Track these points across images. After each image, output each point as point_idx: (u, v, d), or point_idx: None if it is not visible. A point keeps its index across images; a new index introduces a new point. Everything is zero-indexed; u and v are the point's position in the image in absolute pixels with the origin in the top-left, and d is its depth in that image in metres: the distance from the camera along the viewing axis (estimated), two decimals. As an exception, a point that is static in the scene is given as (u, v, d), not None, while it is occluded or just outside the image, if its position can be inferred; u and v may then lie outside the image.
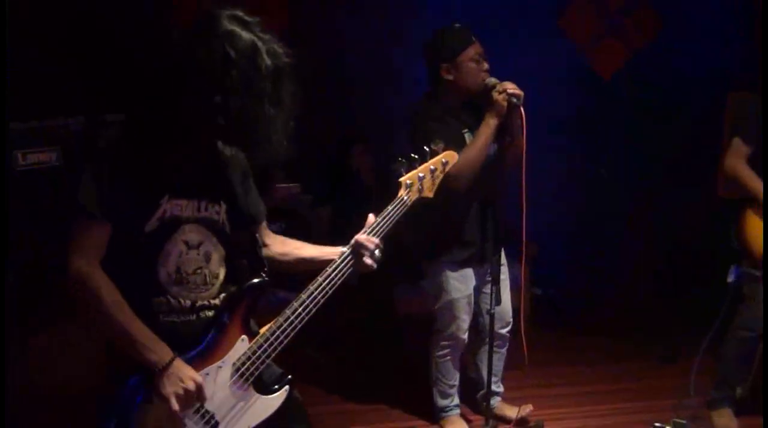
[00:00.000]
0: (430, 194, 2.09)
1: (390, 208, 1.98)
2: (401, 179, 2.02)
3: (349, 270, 1.89)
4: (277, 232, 2.05)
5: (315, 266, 1.90)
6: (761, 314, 3.00)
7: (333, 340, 4.01)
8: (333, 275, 1.86)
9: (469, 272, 2.98)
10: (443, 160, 2.12)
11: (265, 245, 1.96)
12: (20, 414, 2.25)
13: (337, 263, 1.88)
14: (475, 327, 3.11)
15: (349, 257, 1.89)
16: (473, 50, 2.81)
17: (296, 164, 4.30)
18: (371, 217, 1.96)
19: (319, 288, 1.84)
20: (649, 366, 3.90)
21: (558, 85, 4.57)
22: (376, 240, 1.92)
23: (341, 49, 4.51)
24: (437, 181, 2.11)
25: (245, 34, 1.61)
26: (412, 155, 2.06)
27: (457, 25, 2.86)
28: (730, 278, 3.05)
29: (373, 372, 3.84)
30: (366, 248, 1.89)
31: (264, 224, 1.99)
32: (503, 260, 3.01)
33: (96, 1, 3.52)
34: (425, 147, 2.08)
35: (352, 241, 1.91)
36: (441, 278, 2.98)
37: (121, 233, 1.67)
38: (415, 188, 2.03)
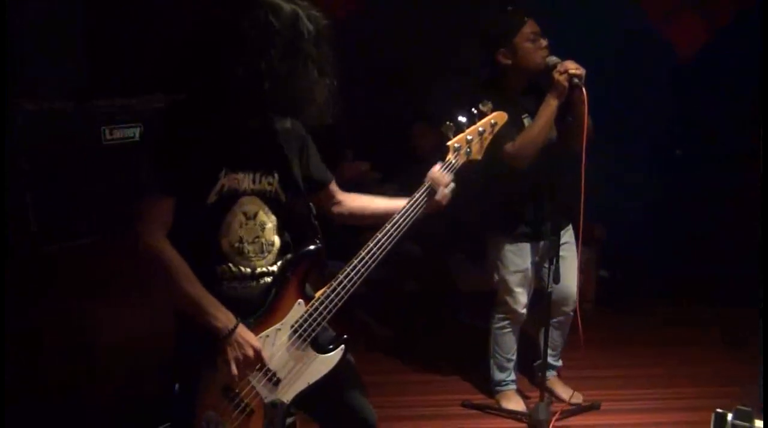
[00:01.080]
0: (479, 157, 2.11)
1: (437, 167, 2.02)
2: (449, 143, 2.05)
3: (422, 208, 1.96)
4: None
5: (385, 218, 1.97)
6: None
7: (392, 312, 4.13)
8: (401, 218, 1.93)
9: (526, 246, 3.03)
10: (492, 121, 2.13)
11: (338, 202, 2.08)
12: (80, 371, 2.40)
13: (414, 198, 1.95)
14: (538, 302, 3.15)
15: (424, 193, 1.97)
16: (528, 29, 2.81)
17: (364, 143, 4.45)
18: (437, 166, 2.02)
19: (386, 234, 1.92)
20: (715, 351, 3.83)
21: (633, 65, 4.45)
22: (450, 176, 1.99)
23: (406, 31, 4.54)
24: (486, 143, 2.12)
25: (285, 3, 1.71)
26: (460, 118, 2.07)
27: (510, 7, 2.87)
28: None
29: (431, 345, 3.93)
30: (440, 182, 1.97)
31: (333, 184, 2.09)
32: (569, 238, 3.05)
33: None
34: (473, 109, 2.09)
35: (428, 176, 1.98)
36: (499, 252, 3.06)
37: (184, 208, 1.79)
38: (463, 151, 2.06)
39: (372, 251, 1.91)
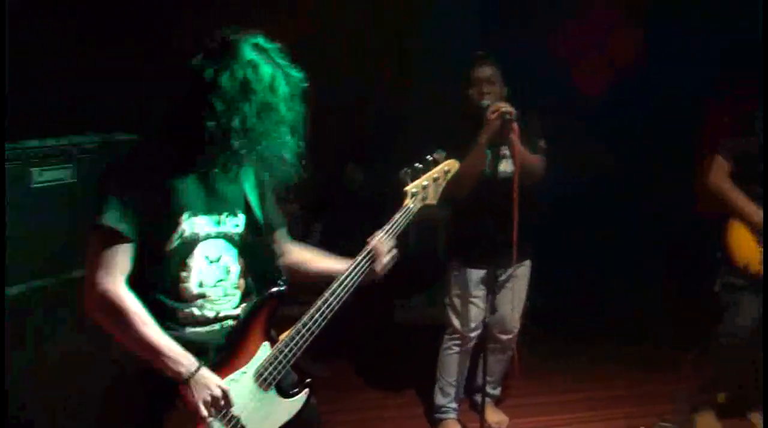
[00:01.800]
0: (434, 202, 2.20)
1: (397, 216, 2.09)
2: (407, 188, 2.13)
3: (364, 275, 1.99)
4: None
5: (330, 277, 1.98)
6: (743, 323, 3.14)
7: (332, 353, 4.10)
8: (348, 279, 1.95)
9: (476, 273, 3.15)
10: (445, 168, 2.23)
11: (283, 254, 2.05)
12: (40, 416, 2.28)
13: (353, 267, 1.97)
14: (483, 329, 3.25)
15: (365, 262, 1.99)
16: (477, 74, 3.02)
17: (295, 182, 4.44)
18: (379, 233, 2.05)
19: (334, 294, 1.94)
20: (638, 373, 4.02)
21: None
22: (392, 243, 2.03)
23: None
24: (440, 189, 2.22)
25: (266, 63, 1.73)
26: (416, 165, 2.16)
27: (479, 52, 3.08)
28: (717, 288, 3.19)
29: (372, 382, 3.92)
30: (380, 251, 1.99)
31: (282, 231, 2.08)
32: (521, 272, 3.22)
33: (111, 21, 3.63)
34: (428, 157, 2.19)
35: (369, 246, 2.00)
36: (449, 275, 3.23)
37: (144, 252, 1.74)
38: (419, 196, 2.14)
39: (328, 301, 1.93)
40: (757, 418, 3.38)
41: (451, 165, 2.26)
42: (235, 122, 1.68)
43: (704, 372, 3.35)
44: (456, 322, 3.23)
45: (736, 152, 3.11)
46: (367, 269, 1.99)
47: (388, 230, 2.05)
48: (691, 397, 3.38)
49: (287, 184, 1.87)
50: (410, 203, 2.12)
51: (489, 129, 2.92)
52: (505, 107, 2.90)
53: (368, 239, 2.02)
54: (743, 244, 3.11)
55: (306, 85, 1.80)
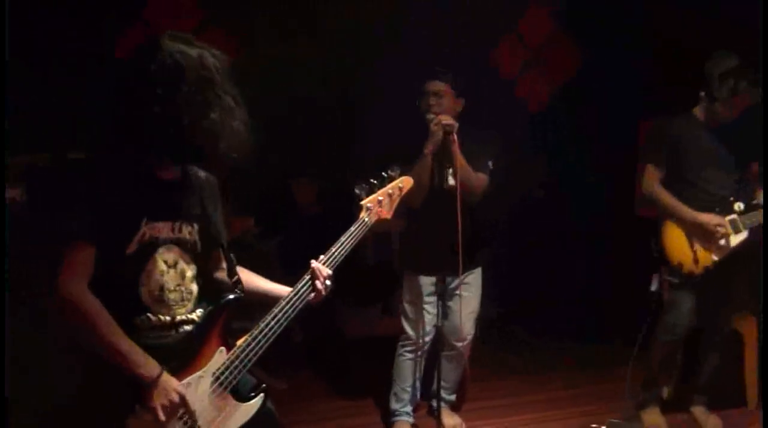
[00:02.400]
0: (389, 216, 2.31)
1: (352, 229, 2.18)
2: (362, 202, 2.24)
3: (305, 299, 2.04)
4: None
5: (262, 299, 2.06)
6: (680, 320, 3.31)
7: (283, 363, 4.12)
8: (299, 292, 2.03)
9: (426, 280, 3.24)
10: (399, 184, 2.36)
11: (221, 269, 2.11)
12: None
13: (296, 289, 2.03)
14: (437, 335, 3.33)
15: (307, 285, 2.04)
16: (428, 87, 3.14)
17: (248, 197, 4.49)
18: (322, 258, 2.10)
19: (289, 301, 2.01)
20: (596, 371, 4.18)
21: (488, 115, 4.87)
22: (329, 271, 2.07)
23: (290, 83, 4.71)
24: (395, 203, 2.34)
25: (189, 48, 1.79)
26: (372, 180, 2.28)
27: (438, 68, 3.19)
28: (653, 287, 3.35)
29: (324, 392, 3.98)
30: (319, 275, 2.05)
31: (223, 247, 2.11)
32: (472, 280, 3.31)
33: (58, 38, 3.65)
34: (383, 173, 2.31)
35: (311, 268, 2.05)
36: (403, 283, 3.34)
37: (104, 256, 1.78)
38: (375, 210, 2.25)
39: (283, 308, 1.99)
40: (699, 412, 3.54)
41: (405, 182, 2.39)
42: (174, 106, 1.73)
43: (647, 370, 3.49)
44: (408, 328, 3.32)
45: (665, 159, 3.29)
46: (309, 294, 2.04)
47: (342, 242, 2.13)
48: (636, 394, 3.52)
49: (243, 166, 1.89)
50: (365, 217, 2.22)
51: (432, 140, 3.05)
52: (446, 119, 3.02)
53: (311, 262, 2.07)
54: (677, 244, 3.27)
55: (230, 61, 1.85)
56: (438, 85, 3.13)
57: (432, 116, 3.08)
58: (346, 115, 4.60)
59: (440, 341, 3.22)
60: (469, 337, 3.39)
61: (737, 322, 3.59)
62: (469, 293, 3.32)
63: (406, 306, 3.32)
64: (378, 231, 2.36)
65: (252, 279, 2.11)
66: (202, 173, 2.00)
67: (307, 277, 2.05)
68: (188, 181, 1.95)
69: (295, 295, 2.03)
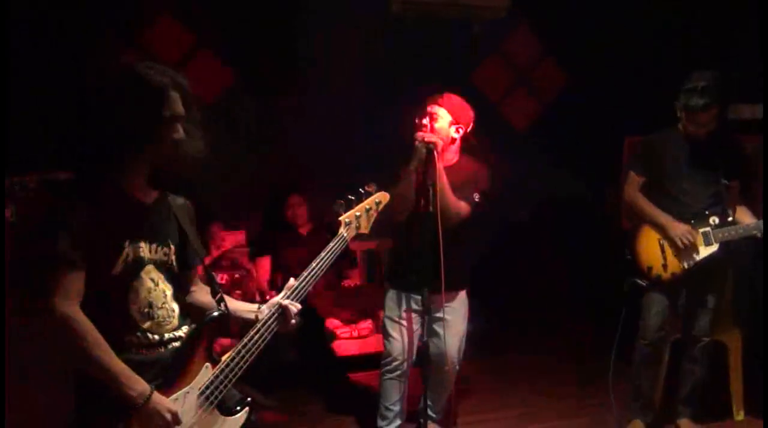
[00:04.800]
0: (366, 231, 2.37)
1: (332, 244, 2.24)
2: (341, 218, 2.30)
3: (275, 328, 2.07)
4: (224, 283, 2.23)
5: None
6: (650, 322, 3.37)
7: (275, 382, 4.13)
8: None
9: (405, 296, 3.25)
10: (377, 200, 2.41)
11: (191, 291, 2.17)
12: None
13: (268, 315, 2.07)
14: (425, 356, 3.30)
15: (275, 316, 2.08)
16: (421, 108, 3.18)
17: (240, 213, 4.54)
18: (291, 281, 2.15)
19: (272, 315, 2.06)
20: (569, 386, 4.21)
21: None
22: (298, 307, 2.11)
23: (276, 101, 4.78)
24: (372, 219, 2.39)
25: (153, 72, 1.86)
26: (349, 196, 2.34)
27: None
28: (625, 288, 3.37)
29: (316, 411, 3.99)
30: (287, 312, 2.09)
31: (195, 270, 2.18)
32: (457, 304, 3.28)
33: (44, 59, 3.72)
34: (360, 189, 2.37)
35: (276, 304, 2.09)
36: (384, 299, 3.33)
37: (93, 278, 1.83)
38: (353, 225, 2.31)
39: (266, 322, 2.04)
40: (685, 424, 3.55)
41: (381, 197, 2.44)
42: (140, 126, 1.82)
43: (632, 377, 3.51)
44: (390, 347, 3.29)
45: (647, 167, 3.38)
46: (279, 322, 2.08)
47: (322, 257, 2.18)
48: (623, 407, 3.54)
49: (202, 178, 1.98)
50: (344, 232, 2.28)
51: (415, 157, 3.06)
52: (430, 136, 3.04)
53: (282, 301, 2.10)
54: (649, 248, 3.35)
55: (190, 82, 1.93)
56: (434, 108, 3.17)
57: (419, 134, 3.11)
58: (339, 132, 4.67)
59: (425, 362, 3.14)
60: (455, 361, 3.34)
61: (721, 334, 3.63)
62: (454, 316, 3.28)
63: (388, 324, 3.29)
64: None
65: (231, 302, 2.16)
66: (178, 198, 2.07)
67: (288, 291, 2.11)
68: (165, 204, 2.02)
69: (277, 308, 2.07)
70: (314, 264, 2.16)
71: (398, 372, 3.32)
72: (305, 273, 2.15)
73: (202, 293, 2.18)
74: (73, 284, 1.80)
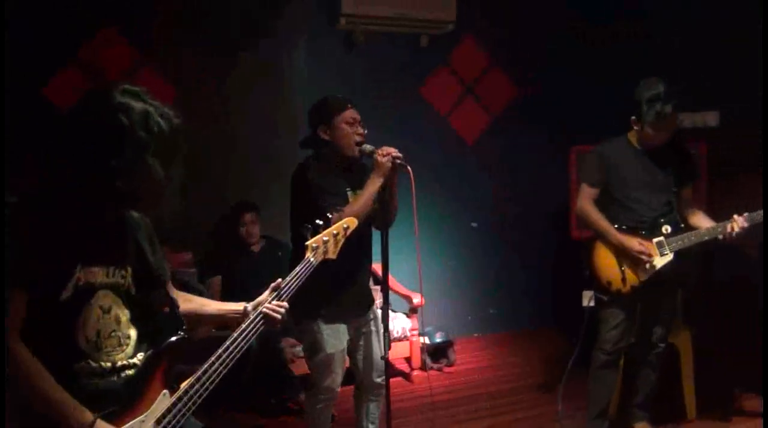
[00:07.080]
0: (334, 256, 2.33)
1: (298, 268, 2.19)
2: (308, 243, 2.25)
3: (261, 328, 2.05)
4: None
5: (217, 322, 2.07)
6: (610, 336, 3.40)
7: (232, 404, 4.04)
8: (245, 332, 2.01)
9: (342, 327, 3.05)
10: (344, 225, 2.38)
11: (180, 305, 2.04)
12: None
13: (248, 322, 2.03)
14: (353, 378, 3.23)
15: (259, 319, 2.05)
16: (348, 114, 3.00)
17: (187, 232, 4.42)
18: (278, 281, 2.14)
19: (234, 344, 1.98)
20: (527, 399, 4.25)
21: (426, 150, 4.95)
22: (285, 306, 2.09)
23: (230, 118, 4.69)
24: (339, 244, 2.35)
25: (137, 103, 1.78)
26: (317, 221, 2.30)
27: (339, 95, 3.11)
28: (585, 303, 3.43)
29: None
30: (274, 312, 2.07)
31: (170, 283, 2.10)
32: (376, 313, 3.17)
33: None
34: (328, 214, 2.32)
35: (260, 308, 2.06)
36: (315, 335, 3.01)
37: (37, 302, 1.72)
38: (320, 250, 2.27)
39: (228, 348, 1.97)
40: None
41: (349, 222, 2.41)
42: (113, 163, 1.72)
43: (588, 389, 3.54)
44: (328, 380, 3.06)
45: (601, 179, 3.40)
46: (262, 324, 2.05)
47: (288, 282, 2.14)
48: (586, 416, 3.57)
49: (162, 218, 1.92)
50: (311, 257, 2.24)
51: (381, 172, 2.89)
52: (396, 151, 2.90)
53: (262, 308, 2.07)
54: (606, 263, 3.38)
55: (179, 121, 1.84)
56: (357, 114, 3.02)
57: (370, 147, 2.98)
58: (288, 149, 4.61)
59: (361, 387, 3.11)
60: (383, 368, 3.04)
61: (673, 336, 3.70)
62: (375, 327, 3.15)
63: (328, 358, 3.01)
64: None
65: (200, 307, 2.13)
66: (135, 215, 1.97)
67: (254, 317, 2.05)
68: (121, 224, 1.92)
69: (240, 335, 2.01)
70: (283, 285, 2.13)
71: (333, 402, 3.19)
72: (269, 297, 2.10)
73: (184, 302, 2.09)
74: (12, 311, 1.68)
